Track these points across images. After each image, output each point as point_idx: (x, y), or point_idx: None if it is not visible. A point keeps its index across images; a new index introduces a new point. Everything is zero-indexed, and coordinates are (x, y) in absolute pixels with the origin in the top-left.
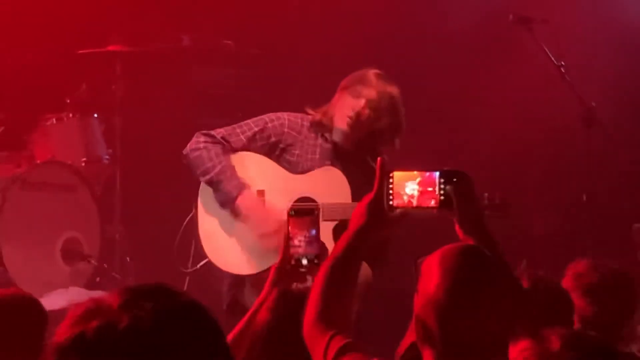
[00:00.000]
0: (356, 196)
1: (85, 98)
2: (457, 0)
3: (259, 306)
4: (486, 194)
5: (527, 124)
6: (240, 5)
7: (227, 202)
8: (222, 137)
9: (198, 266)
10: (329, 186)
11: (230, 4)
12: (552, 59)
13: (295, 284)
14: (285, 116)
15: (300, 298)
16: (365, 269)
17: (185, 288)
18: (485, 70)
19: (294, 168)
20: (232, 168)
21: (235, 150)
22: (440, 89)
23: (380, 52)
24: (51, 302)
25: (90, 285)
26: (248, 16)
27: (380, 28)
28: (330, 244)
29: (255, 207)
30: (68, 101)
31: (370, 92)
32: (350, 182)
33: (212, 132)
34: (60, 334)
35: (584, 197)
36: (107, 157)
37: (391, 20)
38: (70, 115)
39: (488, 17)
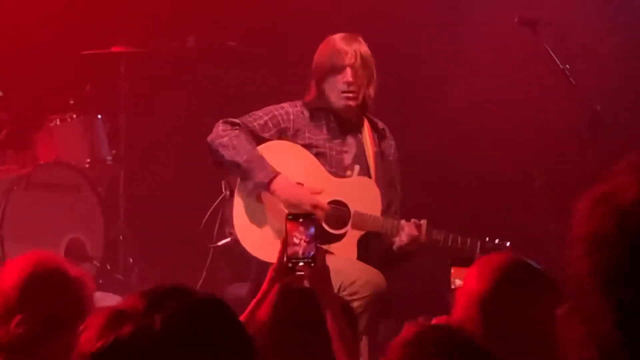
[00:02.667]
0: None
1: (90, 99)
2: (464, 3)
3: (258, 303)
4: (487, 239)
5: (532, 127)
6: (246, 5)
7: (257, 189)
8: (242, 123)
9: (219, 244)
10: (362, 196)
11: (236, 5)
12: (557, 61)
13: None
14: (285, 105)
15: (302, 294)
16: (379, 278)
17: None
18: (489, 72)
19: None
20: (260, 156)
21: (253, 136)
22: (444, 91)
23: (387, 51)
24: None
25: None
26: (253, 17)
27: (386, 27)
28: (353, 253)
29: (291, 187)
30: (72, 102)
31: (349, 59)
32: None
33: (232, 120)
34: (89, 342)
35: None
36: (110, 158)
37: (399, 21)
38: (74, 116)
39: (493, 18)
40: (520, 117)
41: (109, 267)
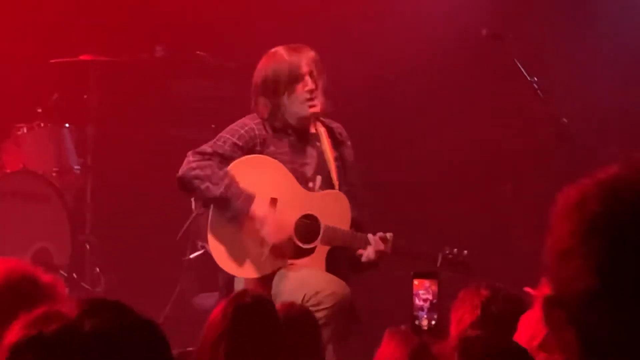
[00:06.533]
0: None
1: (57, 107)
2: (433, 18)
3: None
4: (448, 250)
5: (501, 139)
6: (214, 16)
7: (238, 216)
8: (214, 151)
9: (191, 256)
10: (334, 210)
11: (205, 16)
12: (525, 74)
13: (251, 289)
14: (247, 121)
15: (255, 304)
16: (344, 289)
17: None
18: (457, 83)
19: None
20: (235, 183)
21: (226, 160)
22: (417, 101)
23: (361, 69)
24: None
25: None
26: (222, 27)
27: (361, 44)
28: (322, 266)
29: (266, 217)
30: (39, 110)
31: (305, 67)
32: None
33: (202, 150)
34: (14, 334)
35: None
36: (78, 167)
37: (364, 35)
38: (42, 124)
39: (463, 32)
40: (489, 128)
41: (75, 277)
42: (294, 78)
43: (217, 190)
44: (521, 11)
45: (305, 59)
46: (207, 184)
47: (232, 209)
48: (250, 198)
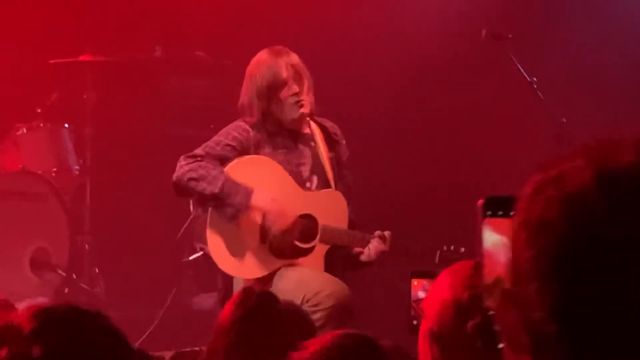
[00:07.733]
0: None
1: (56, 108)
2: (433, 19)
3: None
4: (446, 247)
5: (498, 138)
6: (213, 16)
7: (238, 212)
8: (206, 153)
9: (190, 258)
10: (331, 209)
11: (204, 16)
12: (525, 74)
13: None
14: (241, 123)
15: (264, 296)
16: (343, 290)
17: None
18: (461, 84)
19: None
20: (230, 180)
21: (220, 161)
22: (417, 101)
23: (360, 69)
24: None
25: (58, 296)
26: (220, 27)
27: (360, 44)
28: (320, 266)
29: (268, 206)
30: (39, 111)
31: (285, 72)
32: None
33: (193, 153)
34: None
35: None
36: (77, 167)
37: (363, 35)
38: (41, 124)
39: (462, 33)
40: (486, 128)
41: (74, 277)
42: (277, 86)
43: (214, 189)
44: (521, 11)
45: (285, 63)
46: (203, 184)
47: (232, 204)
48: (249, 190)
